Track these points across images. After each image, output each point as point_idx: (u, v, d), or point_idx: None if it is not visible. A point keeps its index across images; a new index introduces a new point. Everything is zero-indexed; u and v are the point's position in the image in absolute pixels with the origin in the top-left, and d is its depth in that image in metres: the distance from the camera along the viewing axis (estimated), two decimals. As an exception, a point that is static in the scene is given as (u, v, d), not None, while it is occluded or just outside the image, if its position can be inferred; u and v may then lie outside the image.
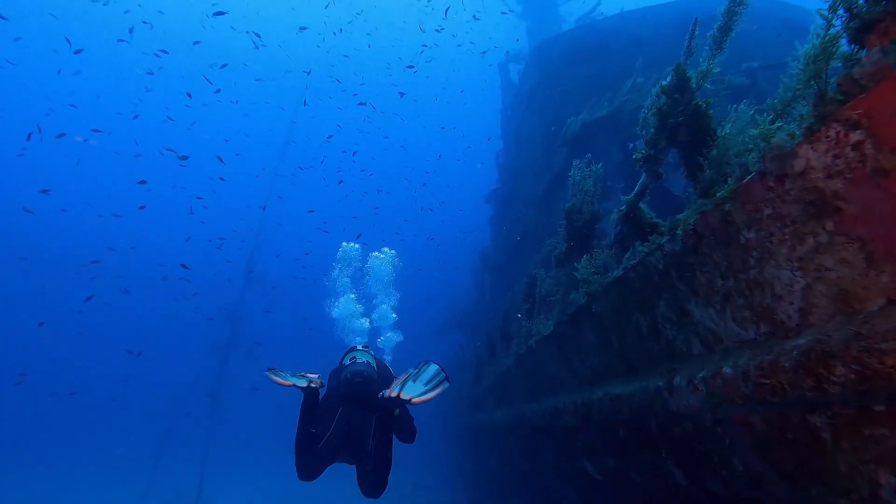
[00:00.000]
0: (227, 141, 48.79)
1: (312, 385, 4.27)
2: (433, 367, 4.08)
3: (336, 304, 10.28)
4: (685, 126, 3.24)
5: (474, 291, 24.10)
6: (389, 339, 11.40)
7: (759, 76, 9.96)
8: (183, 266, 22.74)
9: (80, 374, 42.04)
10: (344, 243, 12.03)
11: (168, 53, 32.29)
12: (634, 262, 3.64)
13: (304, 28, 33.45)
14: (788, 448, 2.85)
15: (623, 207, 4.01)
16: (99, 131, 30.16)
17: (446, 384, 3.99)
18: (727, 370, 2.78)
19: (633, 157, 3.72)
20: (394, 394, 3.86)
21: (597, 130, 9.93)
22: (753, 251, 2.66)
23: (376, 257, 11.37)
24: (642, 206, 3.98)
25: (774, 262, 2.55)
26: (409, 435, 4.68)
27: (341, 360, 5.05)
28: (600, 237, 5.96)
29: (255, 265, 28.64)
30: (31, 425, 37.07)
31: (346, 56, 51.58)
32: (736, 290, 2.87)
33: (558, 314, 5.17)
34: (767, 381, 2.57)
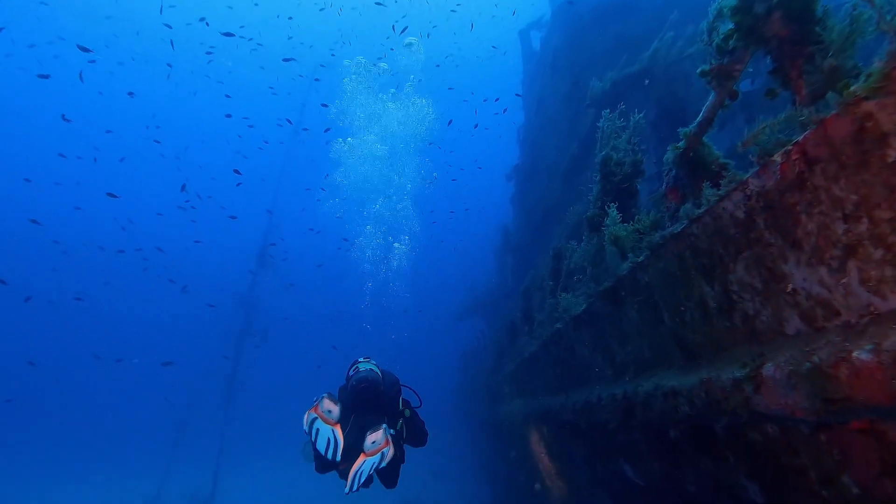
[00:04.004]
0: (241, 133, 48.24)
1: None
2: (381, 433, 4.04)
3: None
4: (781, 10, 2.27)
5: (495, 275, 23.14)
6: None
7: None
8: (113, 195, 20.58)
9: (86, 370, 42.30)
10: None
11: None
12: (701, 211, 2.70)
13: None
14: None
15: (681, 143, 3.04)
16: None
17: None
18: (863, 356, 1.85)
19: (699, 71, 2.75)
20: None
21: (628, 89, 8.83)
22: (913, 172, 1.72)
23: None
24: (706, 141, 3.01)
25: (956, 185, 1.61)
26: (420, 439, 4.85)
27: (346, 374, 5.10)
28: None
29: (270, 245, 27.74)
30: (42, 421, 37.48)
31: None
32: (872, 236, 1.92)
33: (592, 288, 4.25)
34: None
